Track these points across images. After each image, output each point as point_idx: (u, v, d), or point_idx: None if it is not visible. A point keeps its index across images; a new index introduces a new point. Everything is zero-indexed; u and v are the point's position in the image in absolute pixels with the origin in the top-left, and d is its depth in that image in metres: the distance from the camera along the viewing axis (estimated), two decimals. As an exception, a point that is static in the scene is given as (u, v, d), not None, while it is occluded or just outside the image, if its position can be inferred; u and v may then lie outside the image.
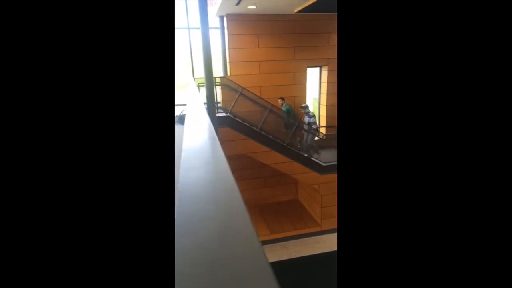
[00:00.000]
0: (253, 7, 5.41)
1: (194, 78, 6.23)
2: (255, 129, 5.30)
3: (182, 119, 5.04)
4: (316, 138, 5.80)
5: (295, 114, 5.94)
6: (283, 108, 5.87)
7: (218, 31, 6.33)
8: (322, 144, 5.98)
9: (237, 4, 5.04)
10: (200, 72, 7.43)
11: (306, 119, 5.73)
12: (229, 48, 6.14)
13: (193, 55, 6.74)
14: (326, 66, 6.53)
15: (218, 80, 5.56)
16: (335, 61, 6.23)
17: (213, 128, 1.08)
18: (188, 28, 6.88)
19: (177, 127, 4.59)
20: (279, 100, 5.91)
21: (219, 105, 5.28)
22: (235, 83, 5.57)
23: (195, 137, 0.97)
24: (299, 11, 4.95)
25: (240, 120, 5.27)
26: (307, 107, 5.83)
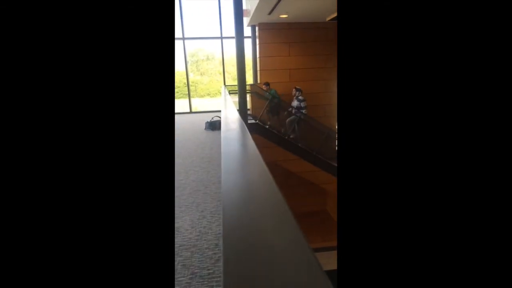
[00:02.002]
0: (285, 16, 5.46)
1: (225, 86, 6.39)
2: (284, 136, 5.28)
3: (213, 125, 5.18)
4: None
5: (280, 100, 5.79)
6: (270, 93, 5.70)
7: (249, 40, 6.46)
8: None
9: (270, 13, 5.12)
10: (229, 80, 7.62)
11: (295, 103, 5.50)
12: (259, 57, 6.24)
13: (225, 63, 6.94)
14: (359, 74, 6.34)
15: (248, 88, 5.64)
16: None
17: (249, 135, 1.09)
18: (221, 38, 7.12)
19: (207, 133, 4.67)
20: (263, 85, 5.74)
21: (248, 112, 5.35)
22: (265, 91, 5.62)
23: (233, 143, 0.98)
24: (332, 19, 4.90)
25: (268, 127, 5.28)
26: (299, 90, 5.53)
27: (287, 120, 5.47)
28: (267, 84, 5.78)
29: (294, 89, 5.66)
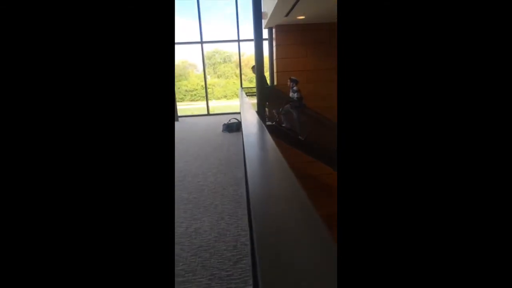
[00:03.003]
0: (302, 17, 5.43)
1: (242, 88, 6.43)
2: (301, 138, 5.23)
3: (230, 127, 5.22)
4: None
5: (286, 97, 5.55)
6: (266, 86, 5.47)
7: (266, 42, 6.48)
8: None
9: (287, 15, 5.11)
10: (246, 82, 7.67)
11: (290, 94, 5.30)
12: (276, 58, 6.23)
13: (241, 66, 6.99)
14: (378, 75, 6.19)
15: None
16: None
17: (270, 138, 1.09)
18: (238, 41, 7.18)
19: (224, 135, 4.72)
20: (288, 81, 5.42)
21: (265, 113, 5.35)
22: (282, 92, 5.60)
23: (255, 147, 0.98)
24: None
25: (285, 129, 5.26)
26: (294, 81, 5.25)
27: (280, 109, 5.40)
28: (294, 81, 5.37)
29: (289, 80, 5.43)
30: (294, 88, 5.24)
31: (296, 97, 5.20)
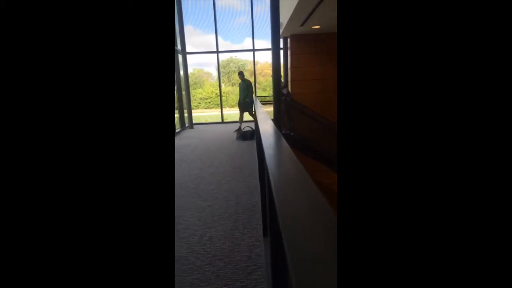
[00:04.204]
0: (317, 27, 5.45)
1: (256, 96, 6.48)
2: (315, 147, 5.18)
3: (244, 135, 5.24)
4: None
5: (253, 90, 5.84)
6: (241, 84, 5.73)
7: (281, 52, 6.53)
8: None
9: (302, 24, 5.14)
10: (259, 91, 7.70)
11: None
12: (290, 67, 6.26)
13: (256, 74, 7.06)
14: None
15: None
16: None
17: (289, 148, 1.08)
18: (253, 50, 7.28)
19: (238, 143, 4.73)
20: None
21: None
22: (296, 101, 5.60)
23: (276, 158, 0.97)
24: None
25: (299, 138, 5.22)
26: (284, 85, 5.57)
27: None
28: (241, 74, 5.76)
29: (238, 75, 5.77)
30: (284, 90, 5.55)
31: (285, 93, 5.52)
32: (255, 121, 2.93)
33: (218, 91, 7.80)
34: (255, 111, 4.34)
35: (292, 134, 5.26)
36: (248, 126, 5.52)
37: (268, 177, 0.73)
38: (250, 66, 7.70)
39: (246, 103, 5.68)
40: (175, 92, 6.54)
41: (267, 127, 1.65)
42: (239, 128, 5.67)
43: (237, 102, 6.00)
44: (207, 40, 7.43)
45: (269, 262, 1.41)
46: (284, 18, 5.20)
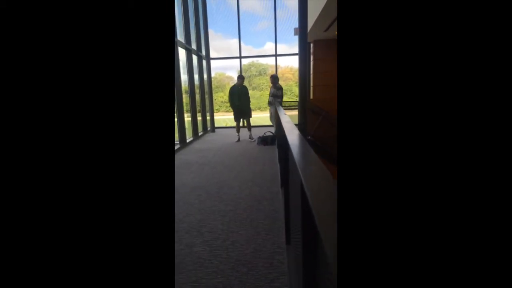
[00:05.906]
0: (341, 32, 5.39)
1: (278, 101, 6.48)
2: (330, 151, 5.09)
3: (265, 140, 5.26)
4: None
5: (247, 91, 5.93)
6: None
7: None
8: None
9: (326, 30, 5.11)
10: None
11: (272, 90, 5.61)
12: (313, 73, 6.22)
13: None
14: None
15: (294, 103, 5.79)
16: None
17: (315, 155, 1.08)
18: (276, 56, 7.31)
19: (259, 148, 4.72)
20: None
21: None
22: (317, 106, 5.54)
23: (307, 168, 0.98)
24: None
25: (319, 144, 5.16)
26: (274, 77, 5.69)
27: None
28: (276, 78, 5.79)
29: (271, 77, 5.87)
30: (278, 85, 5.61)
31: (280, 94, 5.59)
32: (278, 126, 2.93)
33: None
34: (276, 116, 4.34)
35: (312, 139, 5.21)
36: (269, 132, 5.53)
37: (303, 189, 0.73)
38: (271, 70, 7.73)
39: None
40: (198, 96, 6.69)
41: (293, 137, 1.65)
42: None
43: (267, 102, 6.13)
44: (228, 44, 7.59)
45: (293, 270, 1.40)
46: (308, 23, 5.19)
